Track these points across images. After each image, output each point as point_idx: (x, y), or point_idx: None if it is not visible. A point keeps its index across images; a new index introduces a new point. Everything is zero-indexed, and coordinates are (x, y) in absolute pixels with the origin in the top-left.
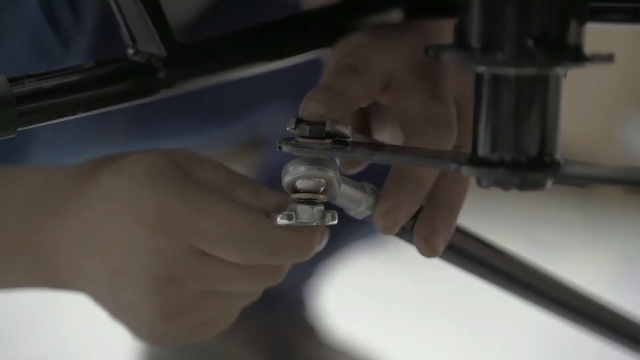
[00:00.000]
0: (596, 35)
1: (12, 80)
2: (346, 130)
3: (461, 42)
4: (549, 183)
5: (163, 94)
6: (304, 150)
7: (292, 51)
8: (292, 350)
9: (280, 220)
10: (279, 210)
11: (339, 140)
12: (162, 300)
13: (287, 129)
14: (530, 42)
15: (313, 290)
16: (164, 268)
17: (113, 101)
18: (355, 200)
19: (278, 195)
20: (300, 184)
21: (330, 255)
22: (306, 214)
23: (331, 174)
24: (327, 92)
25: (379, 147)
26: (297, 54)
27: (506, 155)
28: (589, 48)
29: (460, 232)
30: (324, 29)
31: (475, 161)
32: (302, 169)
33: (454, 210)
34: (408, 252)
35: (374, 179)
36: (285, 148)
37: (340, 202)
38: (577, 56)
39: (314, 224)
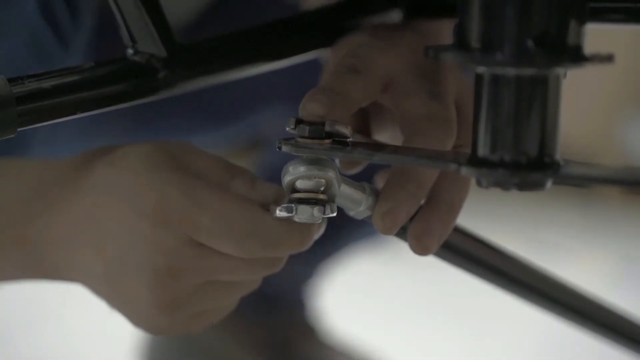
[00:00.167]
0: (596, 36)
1: (11, 81)
2: (346, 131)
3: (461, 42)
4: (549, 183)
5: (163, 95)
6: (304, 150)
7: (292, 51)
8: (292, 350)
9: (279, 213)
10: (277, 202)
11: (339, 141)
12: (160, 292)
13: (287, 129)
14: (530, 43)
15: (313, 290)
16: (162, 260)
17: (113, 101)
18: (355, 201)
19: (274, 187)
20: (300, 184)
21: (330, 255)
22: (306, 213)
23: (331, 174)
24: (327, 92)
25: (379, 147)
26: (297, 54)
27: (506, 155)
28: (589, 48)
29: (460, 232)
30: (323, 30)
31: (475, 161)
32: (301, 169)
33: (453, 211)
34: (408, 252)
35: (373, 179)
36: (285, 148)
37: (340, 202)
38: (576, 56)
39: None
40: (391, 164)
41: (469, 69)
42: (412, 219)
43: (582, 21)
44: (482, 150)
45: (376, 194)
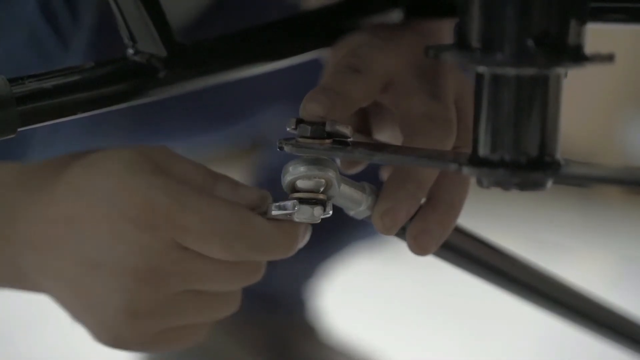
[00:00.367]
0: (597, 36)
1: (12, 81)
2: (346, 130)
3: (461, 42)
4: (549, 183)
5: (163, 94)
6: (304, 150)
7: (292, 51)
8: (292, 350)
9: (275, 212)
10: (260, 206)
11: (339, 141)
12: (136, 298)
13: (287, 129)
14: (530, 42)
15: (313, 290)
16: (143, 263)
17: (113, 101)
18: (355, 201)
19: (257, 191)
20: (300, 184)
21: (330, 256)
22: (306, 213)
23: (331, 174)
24: (327, 92)
25: (379, 147)
26: (297, 54)
27: (506, 155)
28: (589, 49)
29: (460, 232)
30: (324, 29)
31: (475, 161)
32: (302, 169)
33: (453, 211)
34: (408, 252)
35: (373, 179)
36: (285, 148)
37: (340, 202)
38: (577, 56)
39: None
40: (391, 164)
41: (469, 69)
42: (412, 218)
43: (582, 21)
44: (483, 150)
45: (376, 194)
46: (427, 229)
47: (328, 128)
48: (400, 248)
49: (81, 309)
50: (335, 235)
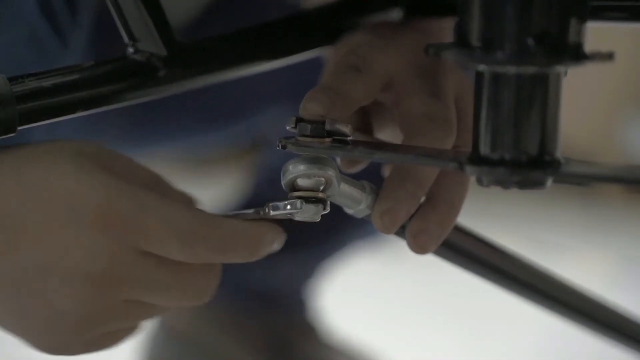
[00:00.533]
0: (597, 36)
1: (11, 79)
2: (346, 129)
3: (461, 41)
4: (549, 182)
5: (163, 93)
6: (304, 149)
7: (292, 50)
8: (292, 350)
9: (273, 212)
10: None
11: (339, 139)
12: (88, 303)
13: (287, 128)
14: (530, 41)
15: (313, 290)
16: (97, 267)
17: (113, 100)
18: (355, 199)
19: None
20: (299, 183)
21: (330, 255)
22: (306, 212)
23: (331, 172)
24: (328, 91)
25: (379, 146)
26: (297, 53)
27: (506, 154)
28: (589, 48)
29: (460, 230)
30: (324, 28)
31: (475, 160)
32: (301, 167)
33: (452, 209)
34: (408, 251)
35: (374, 178)
36: (285, 147)
37: (339, 200)
38: (577, 55)
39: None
40: (391, 163)
41: (469, 68)
42: (411, 217)
43: (582, 20)
44: (483, 149)
45: (376, 193)
46: (426, 228)
47: (328, 127)
48: (400, 247)
49: (13, 313)
50: (335, 234)
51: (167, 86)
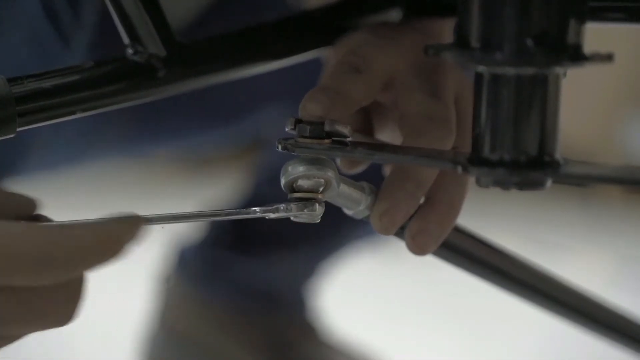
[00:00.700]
0: (596, 36)
1: (11, 80)
2: (345, 130)
3: (461, 41)
4: (549, 183)
5: (163, 94)
6: (303, 150)
7: (292, 51)
8: (292, 350)
9: (272, 215)
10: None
11: (339, 140)
12: None
13: (286, 129)
14: (529, 42)
15: (313, 290)
16: None
17: (113, 101)
18: (354, 200)
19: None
20: (299, 184)
21: (330, 254)
22: (305, 213)
23: (330, 173)
24: (327, 92)
25: (379, 146)
26: (297, 53)
27: (506, 154)
28: (589, 49)
29: (460, 231)
30: (324, 29)
31: (475, 161)
32: (301, 168)
33: (452, 210)
34: (408, 252)
35: (373, 178)
36: (284, 148)
37: (339, 202)
38: (576, 56)
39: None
40: (391, 164)
41: (469, 68)
42: (410, 218)
43: (581, 20)
44: (482, 150)
45: (375, 194)
46: (425, 228)
47: (327, 127)
48: (400, 247)
49: None
50: (334, 233)
51: (166, 87)
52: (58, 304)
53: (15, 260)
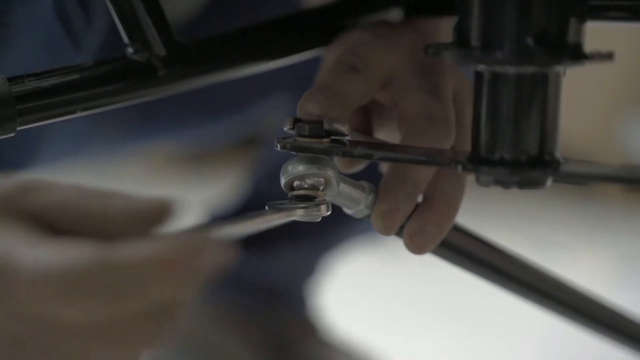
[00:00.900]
0: (597, 35)
1: (11, 80)
2: (344, 129)
3: (461, 40)
4: (549, 181)
5: (162, 93)
6: (303, 149)
7: (291, 50)
8: (292, 348)
9: (274, 213)
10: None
11: (337, 139)
12: None
13: (285, 129)
14: (529, 41)
15: (313, 289)
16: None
17: (112, 100)
18: (354, 200)
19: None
20: (299, 183)
21: (330, 250)
22: (307, 214)
23: (330, 172)
24: (325, 91)
25: (378, 145)
26: (296, 53)
27: (506, 153)
28: (589, 48)
29: (459, 230)
30: (323, 28)
31: (475, 160)
32: (300, 168)
33: (450, 209)
34: (407, 252)
35: (373, 177)
36: (283, 147)
37: (339, 201)
38: (576, 55)
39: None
40: (390, 163)
41: (468, 67)
42: (409, 217)
43: (582, 19)
44: (482, 149)
45: (375, 193)
46: (424, 228)
47: (326, 127)
48: (400, 246)
49: None
50: (333, 229)
51: (166, 86)
52: (143, 329)
53: (53, 290)
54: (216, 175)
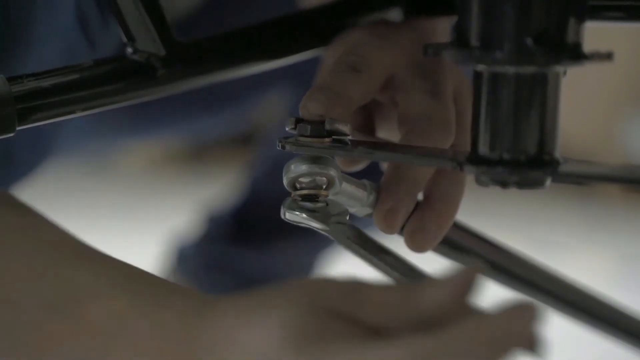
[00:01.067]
0: (596, 36)
1: (11, 79)
2: (345, 128)
3: (460, 40)
4: (548, 181)
5: (162, 93)
6: (305, 149)
7: (291, 50)
8: None
9: (290, 216)
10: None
11: (339, 139)
12: None
13: (287, 129)
14: (529, 41)
15: None
16: None
17: (112, 100)
18: (356, 198)
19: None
20: (301, 183)
21: (327, 248)
22: (308, 212)
23: (332, 172)
24: (327, 91)
25: (379, 145)
26: (296, 53)
27: (505, 153)
28: (588, 48)
29: (460, 228)
30: (323, 28)
31: (474, 159)
32: (303, 167)
33: (450, 208)
34: (408, 251)
35: (374, 176)
36: (285, 147)
37: (341, 200)
38: (576, 54)
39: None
40: (391, 162)
41: (468, 67)
42: (409, 216)
43: (581, 19)
44: (482, 148)
45: (377, 191)
46: (423, 227)
47: (327, 126)
48: (400, 245)
49: None
50: None
51: (165, 86)
52: None
53: None
54: (214, 173)
